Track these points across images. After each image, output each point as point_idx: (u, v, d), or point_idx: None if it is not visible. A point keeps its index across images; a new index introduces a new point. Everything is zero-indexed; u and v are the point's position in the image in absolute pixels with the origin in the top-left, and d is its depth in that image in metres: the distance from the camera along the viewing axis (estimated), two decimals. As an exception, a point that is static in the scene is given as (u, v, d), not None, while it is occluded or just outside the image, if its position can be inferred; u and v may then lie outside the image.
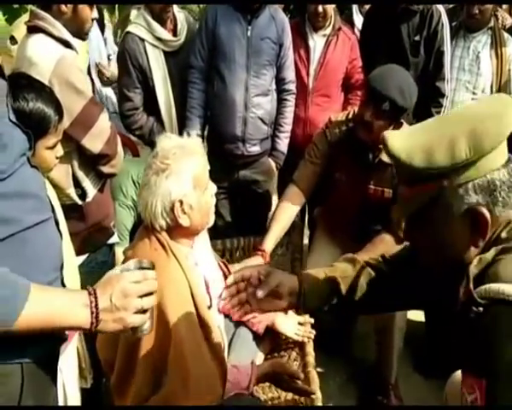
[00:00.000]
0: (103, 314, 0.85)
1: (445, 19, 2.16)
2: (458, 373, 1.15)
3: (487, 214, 0.77)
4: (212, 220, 1.31)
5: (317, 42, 2.24)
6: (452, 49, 2.30)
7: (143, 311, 0.89)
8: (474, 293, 0.73)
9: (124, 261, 1.23)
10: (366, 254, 1.65)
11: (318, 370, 1.53)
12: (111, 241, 1.67)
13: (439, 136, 0.78)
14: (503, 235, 0.78)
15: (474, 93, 2.33)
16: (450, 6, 2.75)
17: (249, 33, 2.02)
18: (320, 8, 2.12)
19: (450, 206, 0.78)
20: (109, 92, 2.39)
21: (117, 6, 4.05)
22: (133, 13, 3.20)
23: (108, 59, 2.48)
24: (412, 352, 2.04)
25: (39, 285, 0.84)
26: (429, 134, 0.80)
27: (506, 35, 2.34)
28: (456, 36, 2.35)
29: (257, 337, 1.51)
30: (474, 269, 0.76)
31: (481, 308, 0.71)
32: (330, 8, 2.14)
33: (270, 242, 1.73)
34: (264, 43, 2.04)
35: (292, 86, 2.18)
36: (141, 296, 0.88)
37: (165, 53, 2.10)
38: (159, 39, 2.08)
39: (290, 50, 2.14)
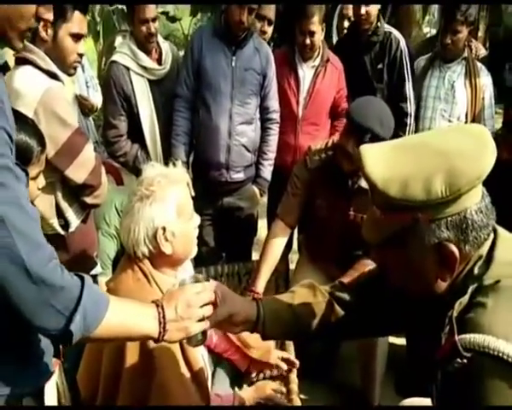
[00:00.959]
0: (170, 325, 0.92)
1: (403, 44, 2.37)
2: (407, 402, 1.18)
3: (456, 251, 0.78)
4: (194, 251, 1.31)
5: (306, 72, 2.31)
6: (429, 79, 2.41)
7: (203, 319, 0.97)
8: (459, 344, 0.72)
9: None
10: (348, 279, 1.69)
11: (302, 397, 1.53)
12: (94, 272, 1.66)
13: (417, 168, 0.78)
14: (476, 271, 0.79)
15: (450, 121, 2.42)
16: (426, 37, 2.89)
17: (234, 64, 2.08)
18: (308, 41, 2.20)
19: (422, 237, 0.78)
20: (89, 123, 2.40)
21: (102, 33, 4.10)
22: (118, 39, 3.23)
23: (86, 86, 2.50)
24: (395, 375, 2.05)
25: (114, 296, 0.91)
26: (408, 165, 0.79)
27: (479, 65, 2.44)
28: (431, 66, 2.45)
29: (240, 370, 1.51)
30: (455, 314, 0.76)
31: (465, 360, 0.72)
32: (318, 40, 2.22)
33: (262, 282, 1.77)
34: (248, 73, 2.09)
35: (275, 115, 2.23)
36: (201, 306, 0.96)
37: (150, 81, 2.14)
38: (144, 68, 2.12)
39: (274, 81, 2.20)
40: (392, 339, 1.99)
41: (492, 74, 2.43)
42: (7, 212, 0.73)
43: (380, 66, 2.35)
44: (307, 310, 1.06)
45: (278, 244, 1.86)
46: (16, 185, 0.77)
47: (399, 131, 2.22)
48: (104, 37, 4.54)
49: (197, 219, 1.29)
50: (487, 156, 0.77)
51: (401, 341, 2.13)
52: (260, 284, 1.76)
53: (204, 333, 1.00)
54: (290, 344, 1.57)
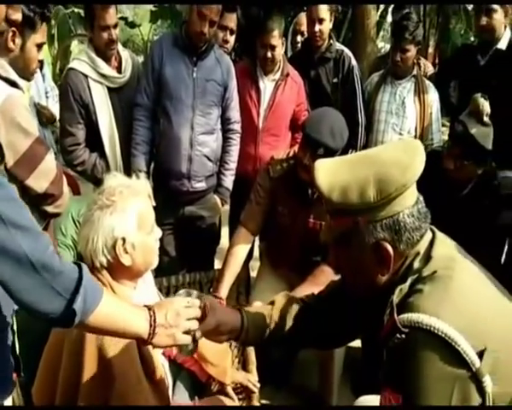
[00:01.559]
0: (159, 329, 0.97)
1: (354, 62, 2.55)
2: (361, 400, 1.27)
3: (390, 250, 0.88)
4: (155, 263, 1.30)
5: (267, 85, 2.37)
6: (381, 95, 2.55)
7: (189, 332, 1.03)
8: (398, 321, 0.83)
9: None
10: (308, 285, 1.76)
11: (263, 402, 1.56)
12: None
13: (355, 176, 0.89)
14: (416, 265, 0.89)
15: (400, 134, 2.55)
16: (379, 54, 3.04)
17: (195, 75, 2.10)
18: (269, 54, 2.26)
19: (362, 238, 0.89)
20: (47, 133, 2.34)
21: (56, 37, 3.98)
22: (74, 44, 3.16)
23: (46, 96, 2.44)
24: (351, 376, 2.12)
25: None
26: (349, 173, 0.90)
27: (427, 82, 2.60)
28: (384, 82, 2.58)
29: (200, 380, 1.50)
30: (395, 299, 0.86)
31: (403, 335, 0.81)
32: (279, 54, 2.29)
33: (225, 289, 1.79)
34: (209, 84, 2.12)
35: (237, 126, 2.26)
36: (188, 319, 1.02)
37: (110, 89, 2.12)
38: (103, 76, 2.09)
39: (235, 92, 2.23)
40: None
41: (440, 90, 2.60)
42: (2, 208, 0.76)
43: (335, 80, 2.49)
44: (284, 319, 1.15)
45: (241, 251, 1.89)
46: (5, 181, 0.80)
47: (351, 140, 2.31)
48: (59, 41, 4.41)
49: (158, 232, 1.29)
50: (414, 167, 0.87)
51: (357, 343, 2.21)
52: (223, 291, 1.78)
53: (195, 342, 1.06)
54: (253, 363, 1.58)
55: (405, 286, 0.87)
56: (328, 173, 0.93)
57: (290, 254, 1.93)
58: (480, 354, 0.77)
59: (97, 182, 2.22)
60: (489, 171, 1.85)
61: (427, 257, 0.89)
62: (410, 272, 0.89)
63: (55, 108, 2.35)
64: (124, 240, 1.17)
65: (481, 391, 0.77)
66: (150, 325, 0.96)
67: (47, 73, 2.69)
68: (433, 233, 0.94)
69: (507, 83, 2.38)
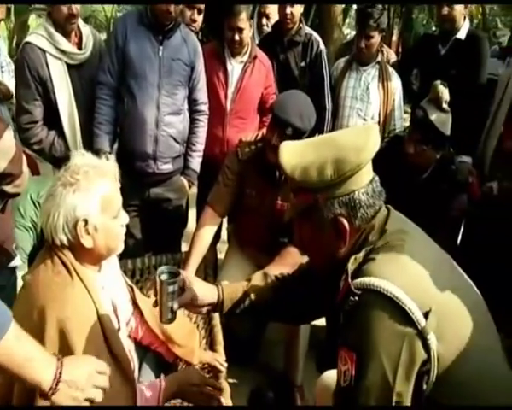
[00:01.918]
0: (62, 385, 0.87)
1: (322, 46, 2.56)
2: (326, 375, 1.34)
3: (347, 224, 0.97)
4: (120, 249, 1.27)
5: (234, 67, 2.34)
6: (347, 80, 2.58)
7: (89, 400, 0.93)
8: (352, 285, 0.90)
9: (23, 288, 1.18)
10: (275, 265, 1.79)
11: (230, 380, 1.58)
12: (13, 264, 1.56)
13: (315, 157, 0.96)
14: (371, 238, 0.97)
15: (365, 119, 2.61)
16: (345, 41, 3.08)
17: (161, 53, 2.05)
18: (236, 37, 2.23)
19: (321, 214, 0.97)
20: (3, 109, 2.22)
21: (13, 10, 3.76)
22: (31, 18, 3.00)
23: (1, 71, 2.31)
24: (316, 354, 2.19)
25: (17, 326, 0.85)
26: (310, 155, 0.97)
27: (391, 69, 2.66)
28: (349, 68, 2.62)
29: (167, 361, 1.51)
30: (350, 266, 0.94)
31: (357, 297, 0.88)
32: (246, 36, 2.26)
33: (192, 268, 1.81)
34: (175, 64, 2.07)
35: (204, 107, 2.24)
36: (96, 387, 0.93)
37: (69, 66, 2.03)
38: (62, 51, 2.00)
39: (202, 73, 2.20)
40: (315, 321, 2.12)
41: (402, 78, 2.67)
42: None
43: (303, 64, 2.50)
44: (259, 294, 1.23)
45: (208, 232, 1.90)
46: None
47: (318, 124, 2.37)
48: (16, 14, 4.16)
49: (125, 218, 1.26)
50: (368, 149, 0.96)
51: (321, 321, 2.27)
52: (190, 271, 1.79)
53: (173, 314, 1.15)
54: (220, 343, 1.59)
55: (359, 256, 0.95)
56: (293, 154, 0.99)
57: (258, 236, 1.95)
58: (426, 314, 0.84)
59: (56, 162, 2.15)
60: (447, 156, 1.93)
61: (382, 231, 0.97)
62: (366, 244, 0.97)
63: (10, 83, 2.24)
64: (86, 221, 1.14)
65: (427, 348, 0.84)
66: (55, 377, 0.86)
67: (2, 47, 2.56)
68: (388, 210, 1.02)
69: (465, 71, 2.49)
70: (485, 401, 0.85)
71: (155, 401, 1.26)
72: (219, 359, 1.54)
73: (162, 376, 1.34)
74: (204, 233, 1.89)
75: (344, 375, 0.88)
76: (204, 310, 1.24)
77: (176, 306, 1.15)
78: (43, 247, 1.23)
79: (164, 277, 1.18)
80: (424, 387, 0.85)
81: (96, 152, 2.06)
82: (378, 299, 0.86)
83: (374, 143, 0.96)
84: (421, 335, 0.84)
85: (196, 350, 1.52)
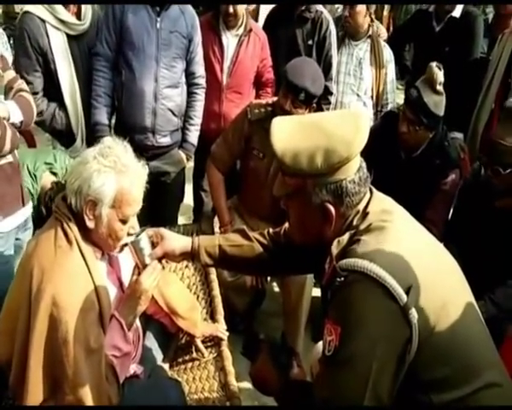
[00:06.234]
0: None
1: (332, 27, 2.50)
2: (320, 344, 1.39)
3: (333, 210, 1.01)
4: (115, 252, 1.29)
5: (230, 40, 2.33)
6: (339, 56, 2.60)
7: None
8: (337, 267, 0.95)
9: (25, 254, 1.23)
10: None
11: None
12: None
13: (306, 145, 0.99)
14: (355, 222, 1.02)
15: (358, 95, 2.64)
16: (337, 15, 3.06)
17: (158, 25, 2.04)
18: (231, 9, 2.22)
19: (309, 198, 1.01)
20: None
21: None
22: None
23: None
24: (312, 326, 2.26)
25: None
26: (301, 141, 0.99)
27: (383, 43, 2.65)
28: (342, 44, 2.63)
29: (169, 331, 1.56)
30: (334, 249, 0.99)
31: (343, 278, 0.94)
32: (241, 8, 2.25)
33: (226, 215, 2.09)
34: (173, 36, 2.07)
35: (201, 81, 2.24)
36: None
37: (69, 36, 2.01)
38: (62, 21, 1.98)
39: (199, 46, 2.19)
40: (315, 292, 2.19)
41: (394, 53, 2.70)
42: None
43: (310, 42, 2.47)
44: (235, 244, 1.31)
45: (220, 180, 2.11)
46: None
47: (323, 105, 2.41)
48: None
49: (134, 228, 1.26)
50: (356, 143, 0.98)
51: (318, 292, 2.36)
52: (226, 217, 2.05)
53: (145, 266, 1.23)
54: (221, 313, 1.65)
55: (343, 239, 1.00)
56: (284, 135, 1.01)
57: (262, 202, 2.01)
58: (407, 291, 0.90)
59: (55, 133, 2.15)
60: (440, 133, 1.98)
61: (364, 214, 1.02)
62: (350, 228, 1.02)
63: (6, 55, 2.19)
64: (95, 203, 1.17)
65: (409, 324, 0.90)
66: None
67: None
68: (371, 192, 1.06)
69: (458, 50, 2.53)
70: (460, 357, 0.93)
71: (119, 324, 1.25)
72: (220, 328, 1.61)
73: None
74: (219, 182, 2.10)
75: (329, 345, 0.94)
76: (179, 260, 1.31)
77: (148, 260, 1.22)
78: (52, 215, 1.25)
79: (132, 238, 1.23)
80: (406, 357, 0.90)
81: (95, 125, 2.08)
82: (362, 279, 0.91)
83: (361, 138, 0.99)
84: (403, 310, 0.89)
85: (199, 323, 1.56)
